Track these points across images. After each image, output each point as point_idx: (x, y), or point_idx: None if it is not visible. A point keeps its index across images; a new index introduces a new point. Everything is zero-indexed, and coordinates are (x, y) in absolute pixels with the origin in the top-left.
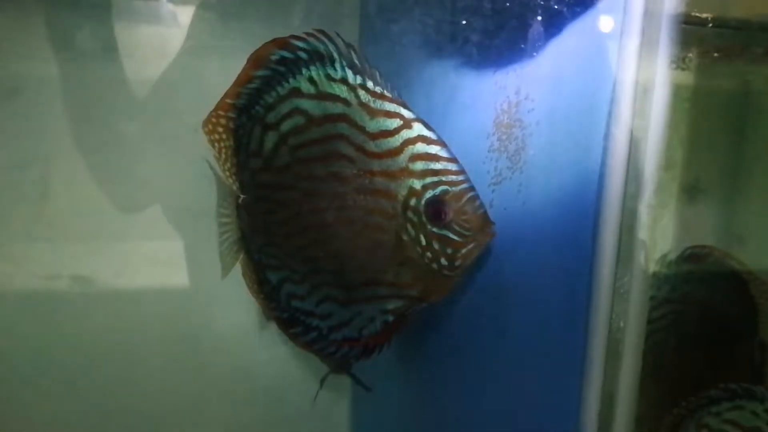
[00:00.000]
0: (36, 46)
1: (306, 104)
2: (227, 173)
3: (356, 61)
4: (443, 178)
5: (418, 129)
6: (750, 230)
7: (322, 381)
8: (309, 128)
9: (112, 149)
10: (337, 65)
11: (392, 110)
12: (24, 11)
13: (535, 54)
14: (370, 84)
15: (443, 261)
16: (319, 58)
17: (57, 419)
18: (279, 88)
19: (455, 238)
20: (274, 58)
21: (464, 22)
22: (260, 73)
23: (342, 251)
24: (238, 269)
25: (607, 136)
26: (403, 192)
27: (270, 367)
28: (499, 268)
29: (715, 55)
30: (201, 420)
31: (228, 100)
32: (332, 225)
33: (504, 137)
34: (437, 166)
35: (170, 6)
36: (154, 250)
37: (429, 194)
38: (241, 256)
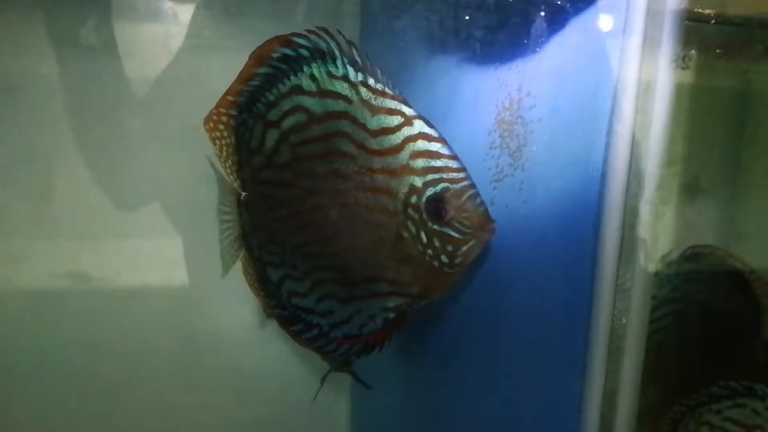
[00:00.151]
0: (38, 44)
1: (307, 101)
2: (228, 170)
3: (357, 59)
4: (444, 176)
5: (419, 126)
6: (750, 228)
7: (323, 379)
8: (310, 125)
9: (113, 147)
10: (339, 62)
11: (393, 107)
12: (26, 9)
13: (537, 51)
14: (371, 81)
15: (444, 258)
16: (321, 55)
17: (59, 416)
18: (280, 86)
19: (456, 235)
20: (275, 55)
21: (466, 18)
22: (262, 70)
23: (343, 248)
24: (238, 267)
25: (609, 133)
26: (404, 189)
27: (270, 364)
28: (500, 265)
29: (718, 51)
30: (201, 417)
31: (229, 98)
32: (333, 222)
33: (506, 134)
34: (438, 163)
35: (171, 3)
36: (154, 247)
37: (430, 191)
38: (242, 253)
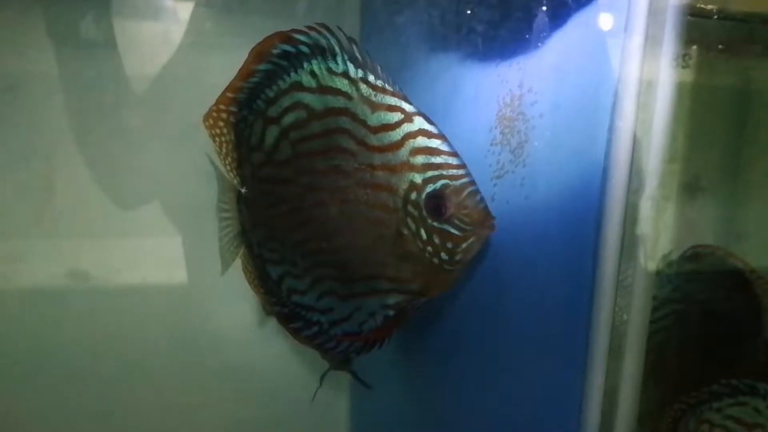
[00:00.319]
0: (38, 43)
1: (307, 98)
2: (228, 167)
3: (358, 55)
4: (444, 172)
5: (419, 123)
6: (750, 228)
7: (322, 378)
8: (310, 122)
9: (113, 145)
10: (339, 59)
11: (393, 104)
12: (26, 8)
13: (538, 47)
14: (371, 78)
15: (444, 255)
16: (321, 51)
17: (58, 415)
18: (280, 82)
19: (455, 232)
20: (275, 52)
21: (467, 14)
22: (262, 67)
23: (343, 246)
24: (238, 264)
25: (610, 130)
26: (404, 186)
27: (270, 362)
28: (501, 262)
29: (720, 47)
30: (201, 415)
31: (229, 94)
32: (333, 219)
33: (507, 130)
34: (438, 160)
35: (171, 1)
36: (154, 245)
37: (429, 188)
38: (242, 250)
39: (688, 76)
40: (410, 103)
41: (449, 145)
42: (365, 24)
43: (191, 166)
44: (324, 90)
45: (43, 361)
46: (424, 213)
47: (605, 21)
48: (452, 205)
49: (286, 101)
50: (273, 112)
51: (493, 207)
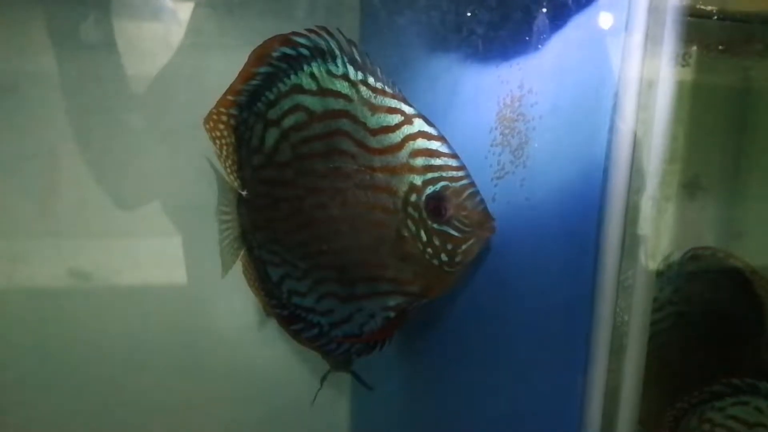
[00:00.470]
0: (38, 43)
1: (307, 100)
2: (228, 170)
3: (357, 57)
4: (444, 174)
5: (418, 125)
6: (750, 228)
7: (323, 379)
8: (310, 124)
9: (114, 146)
10: (339, 61)
11: (393, 106)
12: (26, 8)
13: (538, 47)
14: (371, 80)
15: (444, 257)
16: (321, 54)
17: (58, 415)
18: (280, 85)
19: (455, 234)
20: (275, 54)
21: (467, 15)
22: (262, 69)
23: (343, 247)
24: (238, 266)
25: (611, 130)
26: (404, 188)
27: (270, 364)
28: (501, 263)
29: (720, 47)
30: (200, 417)
31: (229, 97)
32: (333, 221)
33: (507, 131)
34: (438, 161)
35: (171, 2)
36: (154, 246)
37: (429, 190)
38: (242, 252)
39: (689, 75)
40: (410, 105)
41: (449, 146)
42: (365, 25)
43: (191, 168)
44: (324, 92)
45: (44, 360)
46: (424, 215)
47: (605, 21)
48: (452, 207)
49: (286, 103)
50: (273, 114)
51: (494, 208)
